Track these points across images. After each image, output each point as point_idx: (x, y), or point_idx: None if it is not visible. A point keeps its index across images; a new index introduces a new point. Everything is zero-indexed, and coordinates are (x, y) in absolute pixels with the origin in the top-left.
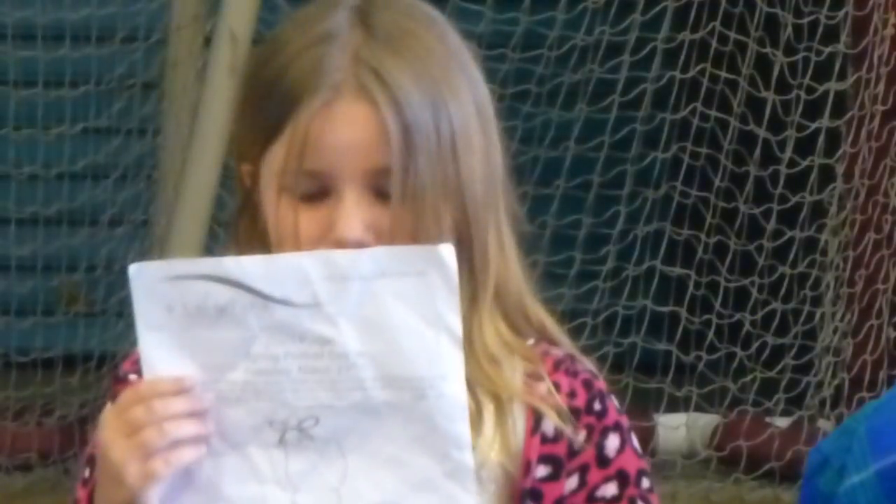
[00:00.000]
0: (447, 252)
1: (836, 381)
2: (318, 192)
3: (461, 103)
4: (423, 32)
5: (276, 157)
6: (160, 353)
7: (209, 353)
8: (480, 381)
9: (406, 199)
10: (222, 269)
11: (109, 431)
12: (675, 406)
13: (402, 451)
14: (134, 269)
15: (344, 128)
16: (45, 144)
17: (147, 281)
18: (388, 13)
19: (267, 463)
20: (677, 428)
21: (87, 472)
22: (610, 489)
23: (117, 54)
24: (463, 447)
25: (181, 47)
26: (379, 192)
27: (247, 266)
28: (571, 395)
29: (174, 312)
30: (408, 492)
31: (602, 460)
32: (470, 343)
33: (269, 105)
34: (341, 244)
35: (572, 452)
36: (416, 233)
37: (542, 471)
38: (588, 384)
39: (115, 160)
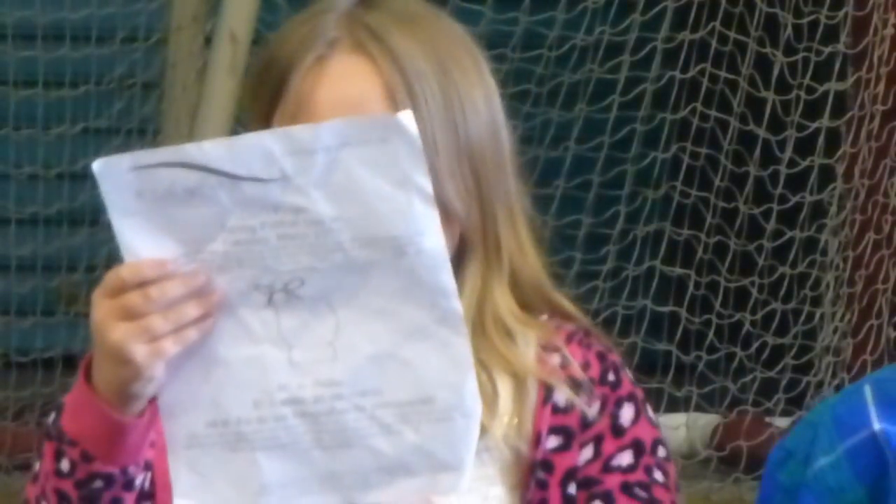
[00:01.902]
0: (407, 119)
1: (836, 381)
2: None
3: (468, 78)
4: (428, 15)
5: (275, 125)
6: (138, 236)
7: (186, 230)
8: (495, 361)
9: None
10: (186, 156)
11: (102, 316)
12: (675, 406)
13: (391, 303)
14: (98, 165)
15: (338, 82)
16: (45, 144)
17: (113, 173)
18: (394, 1)
19: (259, 323)
20: (677, 428)
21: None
22: (625, 458)
23: (117, 54)
24: (449, 295)
25: (181, 47)
26: None
27: (209, 150)
28: (585, 366)
29: (144, 198)
30: (402, 340)
31: (617, 430)
32: (482, 319)
33: (267, 79)
34: None
35: (586, 423)
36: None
37: (552, 442)
38: (602, 356)
39: None
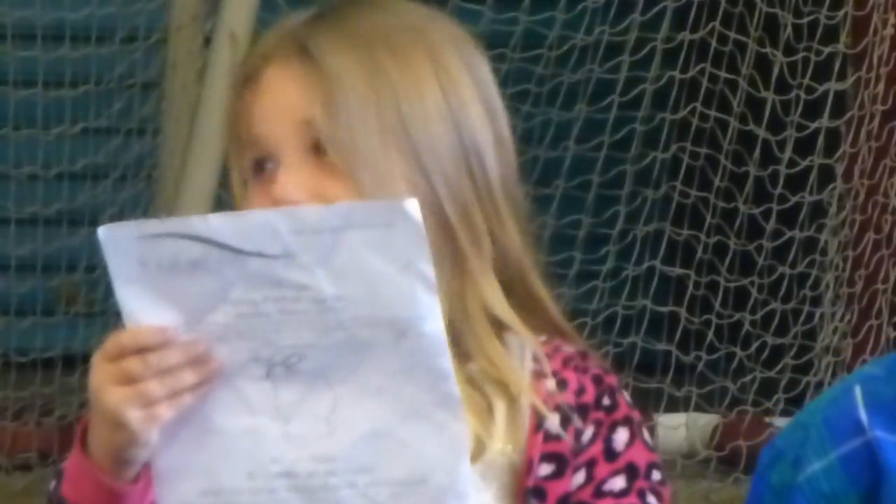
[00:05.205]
0: (412, 207)
1: (835, 381)
2: (272, 169)
3: (416, 77)
4: (380, 18)
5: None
6: (139, 303)
7: (188, 300)
8: (486, 374)
9: (340, 152)
10: (191, 228)
11: (100, 380)
12: (674, 406)
13: (389, 382)
14: (103, 232)
15: (266, 92)
16: (45, 144)
17: (118, 241)
18: (354, 8)
19: (256, 395)
20: (677, 428)
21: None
22: (618, 483)
23: (117, 54)
24: (447, 378)
25: (181, 47)
26: (319, 154)
27: (214, 224)
28: (580, 391)
29: (148, 266)
30: (398, 420)
31: (610, 454)
32: (466, 316)
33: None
34: (279, 206)
35: (579, 448)
36: (361, 189)
37: (545, 469)
38: (598, 379)
39: (115, 160)
